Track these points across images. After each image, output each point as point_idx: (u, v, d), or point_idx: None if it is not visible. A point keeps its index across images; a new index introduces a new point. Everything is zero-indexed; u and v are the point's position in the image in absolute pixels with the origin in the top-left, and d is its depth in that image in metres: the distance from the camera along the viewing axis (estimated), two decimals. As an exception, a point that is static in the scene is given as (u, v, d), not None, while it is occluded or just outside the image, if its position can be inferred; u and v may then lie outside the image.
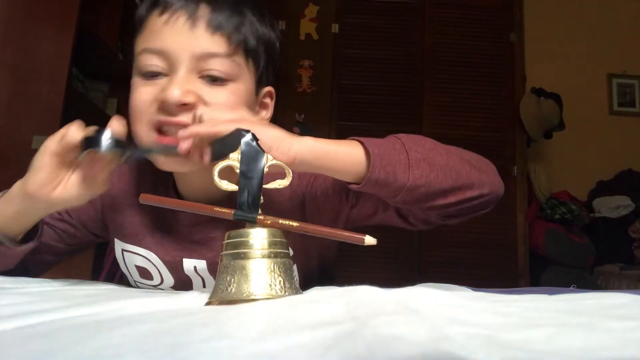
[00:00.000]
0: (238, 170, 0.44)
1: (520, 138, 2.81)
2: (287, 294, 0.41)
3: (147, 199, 0.49)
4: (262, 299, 0.40)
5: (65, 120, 1.79)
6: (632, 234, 2.90)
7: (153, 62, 0.58)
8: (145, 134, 0.58)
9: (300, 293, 0.43)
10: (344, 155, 0.53)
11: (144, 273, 0.71)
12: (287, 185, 0.47)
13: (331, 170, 0.54)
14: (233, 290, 0.41)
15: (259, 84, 0.64)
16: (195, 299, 0.46)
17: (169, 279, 0.71)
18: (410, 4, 2.93)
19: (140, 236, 0.70)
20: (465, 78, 2.85)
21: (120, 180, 0.73)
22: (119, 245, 0.72)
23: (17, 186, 0.57)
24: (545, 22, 3.35)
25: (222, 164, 0.45)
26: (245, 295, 0.40)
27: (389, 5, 2.93)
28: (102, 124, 0.52)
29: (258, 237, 0.42)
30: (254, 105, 0.65)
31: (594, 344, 0.27)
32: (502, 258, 2.69)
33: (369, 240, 0.41)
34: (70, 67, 1.79)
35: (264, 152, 0.44)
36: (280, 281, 0.41)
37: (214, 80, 0.58)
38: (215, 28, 0.58)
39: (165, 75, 0.58)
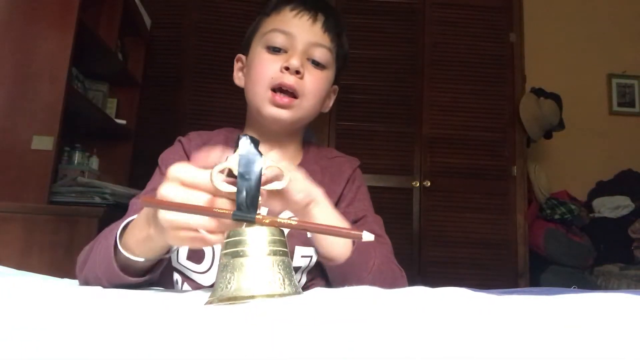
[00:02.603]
0: (236, 172, 0.44)
1: (520, 138, 2.81)
2: (286, 291, 0.41)
3: (147, 201, 0.49)
4: (261, 296, 0.40)
5: (65, 120, 1.79)
6: (631, 234, 2.90)
7: (279, 40, 0.79)
8: (263, 92, 0.78)
9: (300, 291, 0.43)
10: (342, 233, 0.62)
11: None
12: (284, 186, 0.48)
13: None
14: (233, 288, 0.41)
15: (334, 79, 0.87)
16: (196, 298, 0.47)
17: None
18: (410, 4, 2.93)
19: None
20: (465, 78, 2.85)
21: (202, 138, 0.89)
22: None
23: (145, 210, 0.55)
24: (545, 22, 3.36)
25: (221, 166, 0.45)
26: (245, 292, 0.40)
27: (389, 5, 2.93)
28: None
29: (257, 236, 0.43)
30: (328, 92, 0.87)
31: (594, 345, 0.27)
32: (502, 258, 2.68)
33: (367, 236, 0.41)
34: (70, 67, 1.79)
35: (261, 154, 0.45)
36: (279, 278, 0.42)
37: (317, 64, 0.80)
38: (326, 29, 0.81)
39: (285, 52, 0.79)
